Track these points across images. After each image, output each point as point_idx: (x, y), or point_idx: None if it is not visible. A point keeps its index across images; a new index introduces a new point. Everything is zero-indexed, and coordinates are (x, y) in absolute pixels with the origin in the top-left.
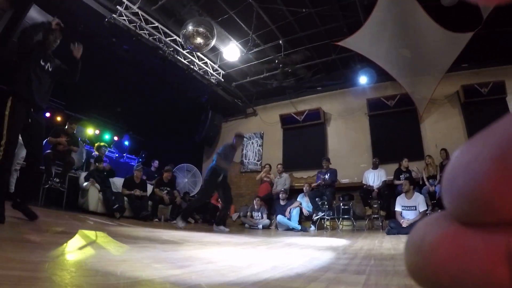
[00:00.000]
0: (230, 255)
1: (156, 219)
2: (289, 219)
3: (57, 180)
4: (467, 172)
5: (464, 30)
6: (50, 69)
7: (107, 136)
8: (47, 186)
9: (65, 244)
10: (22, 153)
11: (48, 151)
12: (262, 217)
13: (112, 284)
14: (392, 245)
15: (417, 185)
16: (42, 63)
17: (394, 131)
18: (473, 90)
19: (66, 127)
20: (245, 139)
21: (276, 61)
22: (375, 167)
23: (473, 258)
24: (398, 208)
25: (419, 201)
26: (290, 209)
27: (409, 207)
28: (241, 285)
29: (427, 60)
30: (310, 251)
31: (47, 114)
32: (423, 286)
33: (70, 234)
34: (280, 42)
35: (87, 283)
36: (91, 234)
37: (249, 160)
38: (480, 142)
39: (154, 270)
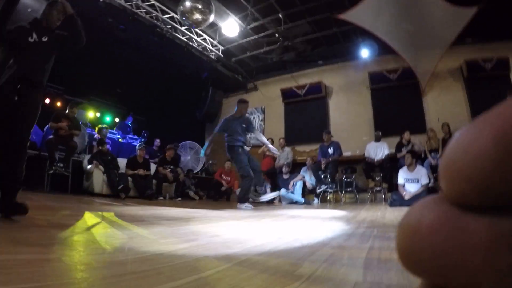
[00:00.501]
0: (236, 229)
1: (161, 197)
2: (293, 192)
3: (61, 165)
4: (467, 153)
5: (469, 4)
6: (44, 40)
7: (108, 118)
8: (51, 171)
9: (72, 226)
10: None
11: (50, 136)
12: (265, 192)
13: (120, 261)
14: (394, 216)
15: (419, 158)
16: (35, 35)
17: (396, 104)
18: (477, 66)
19: (67, 111)
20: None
21: (276, 35)
22: (377, 140)
23: (474, 243)
24: (400, 180)
25: (422, 174)
26: (294, 183)
27: (411, 180)
28: (247, 256)
29: (430, 34)
30: (314, 222)
31: (47, 100)
32: (416, 272)
33: (77, 216)
34: (280, 15)
35: (96, 261)
36: (97, 215)
37: (251, 135)
38: (482, 123)
39: (161, 245)
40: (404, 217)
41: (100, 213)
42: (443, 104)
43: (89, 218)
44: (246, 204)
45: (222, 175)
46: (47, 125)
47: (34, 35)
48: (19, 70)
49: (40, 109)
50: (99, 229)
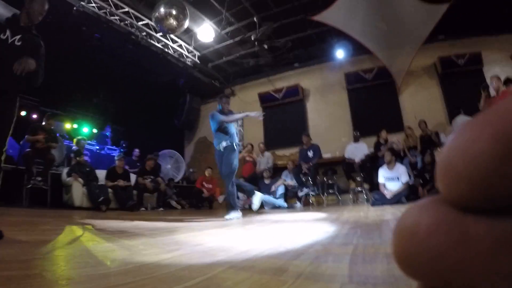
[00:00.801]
0: (219, 236)
1: (143, 208)
2: (275, 197)
3: (39, 178)
4: (466, 154)
5: (440, 1)
6: (18, 44)
7: (86, 129)
8: (29, 186)
9: (53, 241)
10: None
11: (27, 149)
12: (247, 198)
13: (102, 274)
14: (377, 215)
15: (398, 156)
16: (8, 33)
17: (373, 104)
18: (450, 62)
19: (44, 123)
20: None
21: (252, 38)
22: (356, 140)
23: (475, 245)
24: (381, 179)
25: (401, 172)
26: (276, 188)
27: (391, 178)
28: (232, 263)
29: (404, 32)
30: (297, 226)
31: (23, 113)
32: (414, 275)
33: (57, 231)
34: (255, 19)
35: (78, 275)
36: (78, 228)
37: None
38: (481, 122)
39: (144, 256)
40: (400, 219)
41: (81, 226)
42: (419, 101)
43: (70, 232)
44: (233, 212)
45: (203, 183)
46: (24, 138)
47: (8, 33)
48: None
49: (14, 120)
50: (80, 243)
